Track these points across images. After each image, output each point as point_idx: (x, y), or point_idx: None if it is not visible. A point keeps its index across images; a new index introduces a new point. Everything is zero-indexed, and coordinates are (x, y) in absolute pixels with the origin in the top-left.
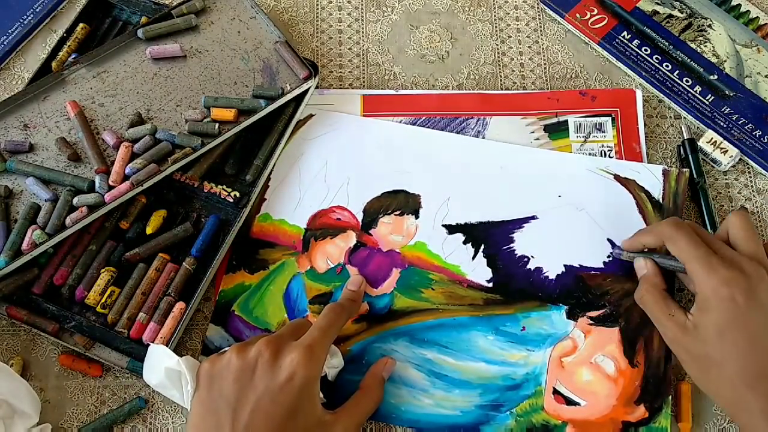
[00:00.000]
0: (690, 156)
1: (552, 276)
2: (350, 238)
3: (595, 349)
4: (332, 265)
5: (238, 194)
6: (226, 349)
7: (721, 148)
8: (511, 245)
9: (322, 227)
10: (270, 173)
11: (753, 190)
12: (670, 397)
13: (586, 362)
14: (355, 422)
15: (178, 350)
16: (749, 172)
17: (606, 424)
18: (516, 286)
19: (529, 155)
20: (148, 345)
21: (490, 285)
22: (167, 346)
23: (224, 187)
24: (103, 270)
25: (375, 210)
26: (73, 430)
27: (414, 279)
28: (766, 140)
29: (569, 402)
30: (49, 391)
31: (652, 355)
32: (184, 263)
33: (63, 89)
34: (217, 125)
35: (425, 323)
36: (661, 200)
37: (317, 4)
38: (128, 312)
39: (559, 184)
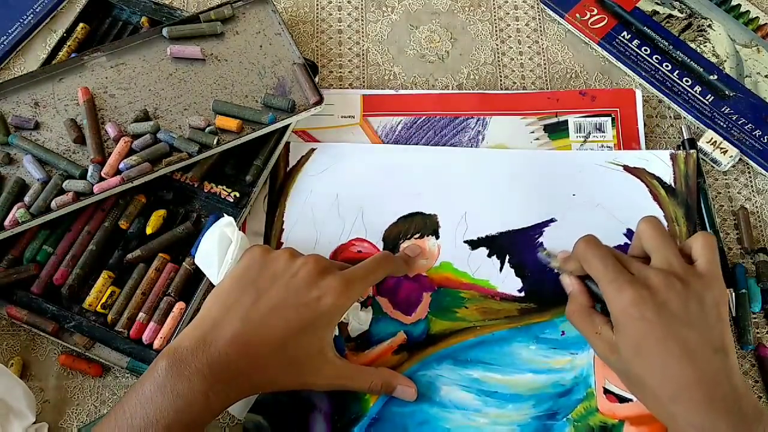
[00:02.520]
0: None
1: None
2: None
3: None
4: (362, 299)
5: (238, 194)
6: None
7: (721, 148)
8: (536, 251)
9: (345, 262)
10: (283, 217)
11: (753, 190)
12: None
13: None
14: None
15: None
16: (749, 172)
17: None
18: (548, 292)
19: (536, 158)
20: (150, 344)
21: (522, 294)
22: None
23: (224, 187)
24: (103, 271)
25: (394, 236)
26: (73, 430)
27: (446, 300)
28: (766, 140)
29: (621, 399)
30: (49, 391)
31: None
32: (184, 263)
33: (79, 74)
34: (216, 138)
35: (465, 343)
36: (673, 184)
37: (317, 4)
38: (128, 312)
39: (572, 183)
